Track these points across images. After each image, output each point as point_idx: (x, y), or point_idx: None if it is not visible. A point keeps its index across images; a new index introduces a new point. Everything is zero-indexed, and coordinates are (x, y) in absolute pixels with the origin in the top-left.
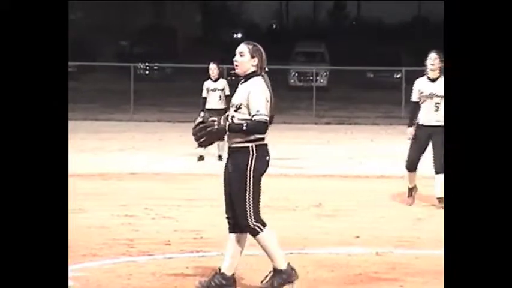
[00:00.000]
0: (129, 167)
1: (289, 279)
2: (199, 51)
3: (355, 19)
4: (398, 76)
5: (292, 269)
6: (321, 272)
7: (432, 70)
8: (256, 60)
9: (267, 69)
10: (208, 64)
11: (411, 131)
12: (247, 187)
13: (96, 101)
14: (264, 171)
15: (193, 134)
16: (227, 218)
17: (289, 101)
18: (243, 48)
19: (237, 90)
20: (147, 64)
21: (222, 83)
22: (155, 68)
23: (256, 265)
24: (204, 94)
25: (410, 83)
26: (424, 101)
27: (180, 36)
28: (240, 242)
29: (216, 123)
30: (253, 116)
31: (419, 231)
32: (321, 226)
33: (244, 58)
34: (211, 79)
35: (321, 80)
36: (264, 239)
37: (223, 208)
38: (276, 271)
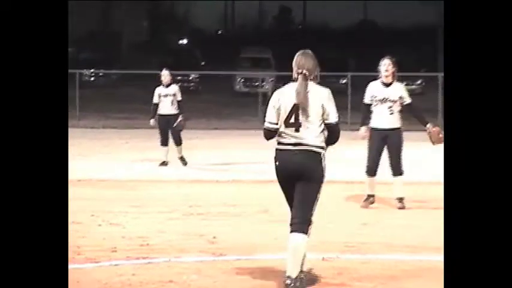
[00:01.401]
0: (75, 173)
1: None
2: (145, 57)
3: (300, 24)
4: (344, 81)
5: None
6: (268, 277)
7: (386, 76)
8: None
9: (300, 71)
10: (161, 70)
11: (364, 129)
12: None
13: None
14: (279, 177)
15: None
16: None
17: (235, 106)
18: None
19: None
20: (92, 70)
21: (174, 88)
22: (100, 74)
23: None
24: (156, 100)
25: (356, 88)
26: (377, 105)
27: (125, 42)
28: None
29: None
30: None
31: (366, 236)
32: (269, 231)
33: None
34: (163, 85)
35: (267, 86)
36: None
37: (171, 214)
38: (294, 279)
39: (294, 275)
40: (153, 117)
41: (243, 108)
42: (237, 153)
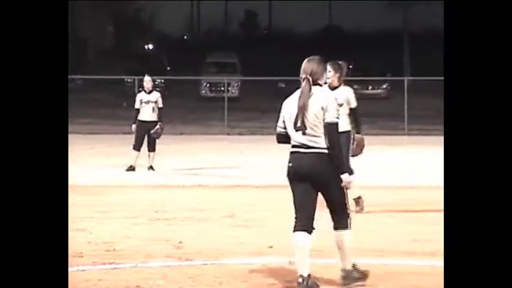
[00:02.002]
0: None
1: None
2: (110, 63)
3: (266, 29)
4: None
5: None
6: (235, 282)
7: (330, 81)
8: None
9: (303, 77)
10: (126, 75)
11: None
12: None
13: None
14: (290, 177)
15: None
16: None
17: (201, 111)
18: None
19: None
20: None
21: (155, 95)
22: None
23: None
24: (137, 106)
25: None
26: None
27: (91, 47)
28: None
29: None
30: None
31: (331, 241)
32: (235, 236)
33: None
34: (145, 91)
35: (233, 91)
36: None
37: (137, 220)
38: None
39: (348, 267)
40: (134, 122)
41: (208, 113)
42: (203, 158)
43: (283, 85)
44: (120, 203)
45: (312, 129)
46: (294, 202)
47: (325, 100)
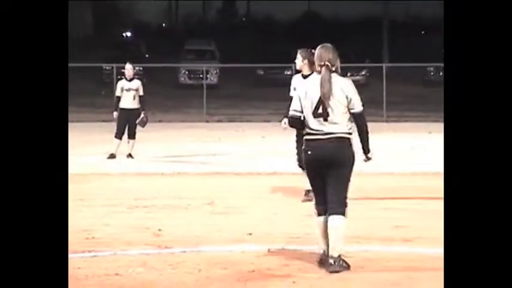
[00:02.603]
0: None
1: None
2: (89, 51)
3: (245, 16)
4: (288, 73)
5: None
6: (214, 269)
7: (299, 69)
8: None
9: (322, 63)
10: (104, 63)
11: (285, 120)
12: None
13: None
14: (310, 165)
15: None
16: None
17: (180, 99)
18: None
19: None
20: None
21: (137, 83)
22: None
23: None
24: (118, 93)
25: None
26: None
27: (69, 35)
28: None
29: None
30: None
31: (311, 227)
32: (214, 224)
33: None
34: (126, 79)
35: (212, 78)
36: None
37: (116, 208)
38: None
39: (335, 255)
40: (115, 110)
41: (187, 100)
42: (182, 146)
43: (262, 72)
44: (98, 191)
45: (333, 115)
46: (315, 187)
47: (349, 88)
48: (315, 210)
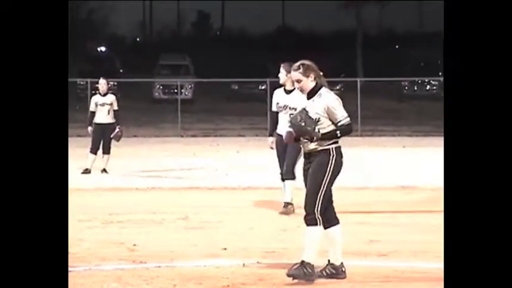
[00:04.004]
0: None
1: (311, 277)
2: None
3: (219, 30)
4: (263, 88)
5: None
6: (189, 285)
7: (283, 83)
8: (312, 76)
9: (321, 73)
10: (79, 78)
11: (272, 139)
12: (324, 182)
13: None
14: (338, 171)
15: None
16: None
17: (155, 114)
18: (297, 75)
19: (306, 104)
20: None
21: (111, 97)
22: None
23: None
24: (92, 108)
25: None
26: (281, 111)
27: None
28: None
29: (315, 129)
30: (339, 121)
31: (286, 242)
32: (189, 239)
33: (303, 82)
34: (100, 94)
35: (186, 93)
36: (314, 233)
37: (90, 223)
38: (304, 263)
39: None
40: (90, 124)
41: (162, 115)
42: (157, 161)
43: (236, 87)
44: (73, 205)
45: None
46: (328, 197)
47: None
48: (320, 219)
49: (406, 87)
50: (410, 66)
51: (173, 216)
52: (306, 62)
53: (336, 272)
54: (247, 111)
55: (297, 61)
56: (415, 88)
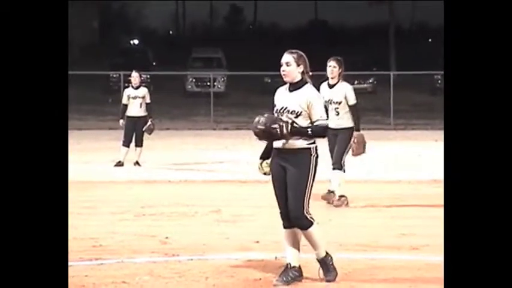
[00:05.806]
0: None
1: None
2: (95, 58)
3: (251, 24)
4: None
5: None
6: (221, 277)
7: (332, 78)
8: (302, 67)
9: (310, 73)
10: (112, 71)
11: None
12: (308, 184)
13: None
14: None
15: (259, 127)
16: (282, 213)
17: (187, 107)
18: (289, 58)
19: (287, 97)
20: None
21: (143, 90)
22: None
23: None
24: (125, 101)
25: None
26: (326, 105)
27: (76, 42)
28: (296, 235)
29: (282, 125)
30: (316, 121)
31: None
32: (221, 232)
33: (292, 67)
34: (133, 86)
35: (219, 86)
36: (315, 232)
37: (123, 215)
38: (322, 260)
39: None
40: (122, 117)
41: (194, 108)
42: (189, 154)
43: (269, 80)
44: (105, 198)
45: None
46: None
47: None
48: (312, 217)
49: (439, 81)
50: (443, 60)
51: (205, 209)
52: (303, 54)
53: (298, 274)
54: None
55: (332, 54)
56: None
